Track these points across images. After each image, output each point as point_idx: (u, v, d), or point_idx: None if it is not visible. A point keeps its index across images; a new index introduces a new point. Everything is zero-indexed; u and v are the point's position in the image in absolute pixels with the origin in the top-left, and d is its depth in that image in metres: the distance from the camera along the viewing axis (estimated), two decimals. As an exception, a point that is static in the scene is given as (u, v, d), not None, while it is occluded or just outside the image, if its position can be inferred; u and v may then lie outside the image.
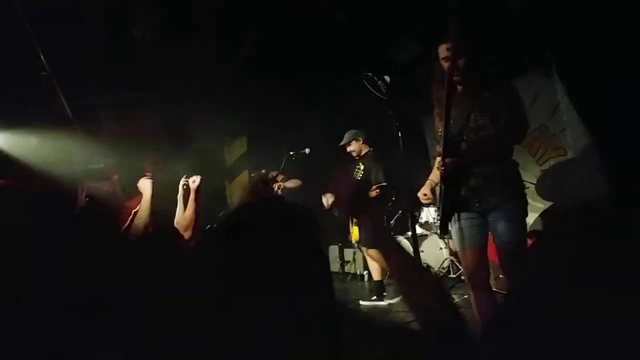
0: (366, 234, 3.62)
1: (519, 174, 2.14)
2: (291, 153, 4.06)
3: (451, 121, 1.97)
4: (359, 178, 3.84)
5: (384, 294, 3.76)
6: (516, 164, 2.12)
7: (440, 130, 2.01)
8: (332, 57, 4.33)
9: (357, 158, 3.89)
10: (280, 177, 4.57)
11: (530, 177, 5.14)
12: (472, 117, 1.94)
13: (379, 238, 1.03)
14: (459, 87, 2.01)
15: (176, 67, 4.49)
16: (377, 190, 3.70)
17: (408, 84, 4.80)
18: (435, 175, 2.26)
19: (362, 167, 3.79)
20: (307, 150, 3.93)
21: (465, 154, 1.94)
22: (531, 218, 5.01)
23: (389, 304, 3.72)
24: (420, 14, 3.79)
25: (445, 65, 1.98)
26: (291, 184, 4.60)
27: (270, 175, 4.61)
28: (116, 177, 6.51)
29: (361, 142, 3.85)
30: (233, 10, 3.62)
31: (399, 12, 3.69)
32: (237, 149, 6.45)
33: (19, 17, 2.94)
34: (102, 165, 6.41)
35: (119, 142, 5.65)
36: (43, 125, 4.59)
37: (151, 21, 3.65)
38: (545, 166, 5.04)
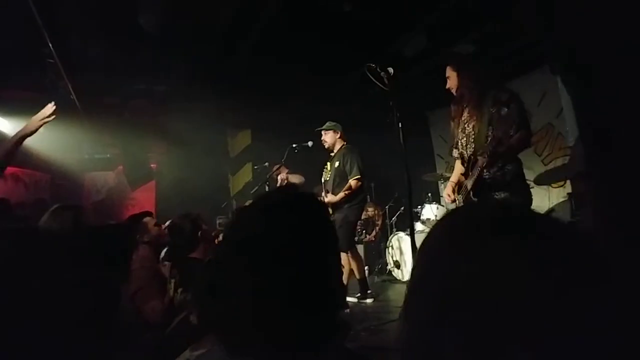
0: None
1: (522, 173, 2.31)
2: (294, 145, 4.05)
3: (472, 138, 2.27)
4: (327, 179, 3.83)
5: (369, 292, 3.75)
6: (519, 165, 2.30)
7: (460, 143, 2.37)
8: (338, 50, 4.31)
9: (331, 154, 3.89)
10: (284, 171, 4.57)
11: (535, 176, 5.11)
12: (487, 132, 2.17)
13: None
14: (470, 106, 2.29)
15: (183, 58, 4.51)
16: (344, 193, 3.61)
17: (414, 78, 4.79)
18: (455, 177, 2.51)
19: (329, 168, 3.84)
20: (309, 143, 3.91)
21: (487, 166, 2.17)
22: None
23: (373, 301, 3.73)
24: (427, 7, 3.76)
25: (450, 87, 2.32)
26: (295, 179, 4.60)
27: (273, 168, 4.61)
28: (121, 167, 6.57)
29: (338, 135, 3.83)
30: (239, 2, 3.62)
31: (405, 5, 3.66)
32: (240, 141, 6.46)
33: (27, 5, 2.96)
34: (108, 155, 6.47)
35: (125, 133, 5.70)
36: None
37: (159, 11, 3.66)
38: (551, 166, 4.99)
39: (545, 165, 5.04)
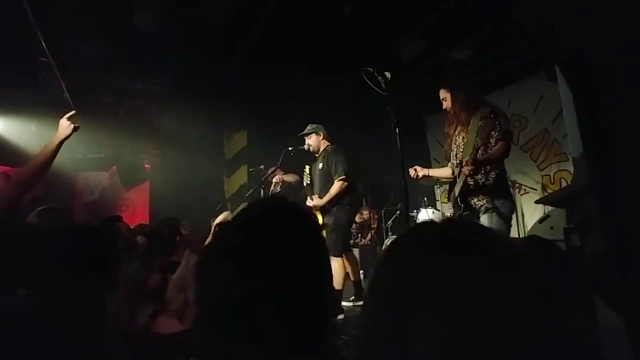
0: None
1: (504, 180, 2.60)
2: (290, 148, 4.03)
3: (461, 148, 2.56)
4: (309, 182, 3.78)
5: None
6: (503, 171, 2.59)
7: (454, 153, 2.68)
8: (335, 52, 4.29)
9: (316, 155, 3.85)
10: (280, 173, 4.55)
11: (531, 182, 5.12)
12: (474, 142, 2.43)
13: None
14: (461, 122, 2.60)
15: (179, 58, 4.47)
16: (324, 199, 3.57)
17: (411, 82, 4.78)
18: (436, 172, 2.93)
19: (307, 171, 3.80)
20: (306, 146, 3.89)
21: (472, 174, 2.45)
22: (531, 221, 4.99)
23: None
24: (424, 11, 3.75)
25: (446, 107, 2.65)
26: (290, 177, 4.58)
27: (268, 170, 4.58)
28: (115, 167, 6.50)
29: (321, 137, 3.80)
30: (237, 2, 3.59)
31: (402, 8, 3.65)
32: (236, 143, 6.42)
33: (20, 3, 2.92)
34: (102, 155, 6.41)
35: (119, 133, 5.64)
36: (43, 112, 4.57)
37: (154, 10, 3.62)
38: (547, 172, 5.01)
39: (540, 170, 5.06)
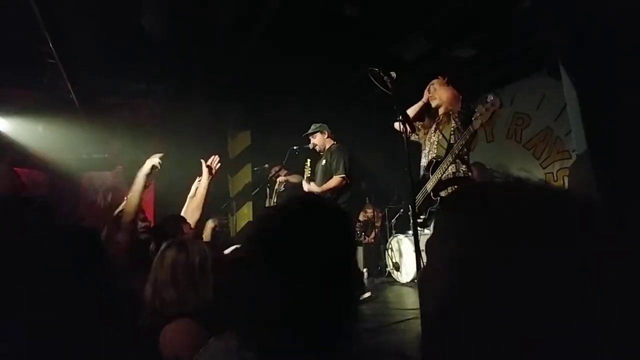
0: None
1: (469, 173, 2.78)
2: (295, 148, 4.05)
3: (435, 146, 2.78)
4: (308, 175, 3.80)
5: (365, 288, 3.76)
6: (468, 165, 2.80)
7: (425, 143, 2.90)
8: (339, 52, 4.31)
9: (320, 153, 3.86)
10: (283, 173, 4.57)
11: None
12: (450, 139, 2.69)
13: None
14: (442, 113, 2.79)
15: (183, 58, 4.50)
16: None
17: (416, 81, 4.79)
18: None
19: (309, 164, 3.82)
20: (311, 145, 3.91)
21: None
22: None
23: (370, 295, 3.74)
24: (428, 11, 3.77)
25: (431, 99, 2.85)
26: (294, 178, 4.60)
27: (273, 169, 4.61)
28: (120, 167, 6.54)
29: (326, 135, 3.83)
30: (241, 3, 3.61)
31: (406, 8, 3.67)
32: (240, 142, 6.44)
33: (28, 4, 2.95)
34: (106, 155, 6.43)
35: (123, 133, 5.67)
36: (49, 113, 4.61)
37: (159, 12, 3.65)
38: (549, 169, 5.02)
39: (543, 168, 5.06)
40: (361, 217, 6.10)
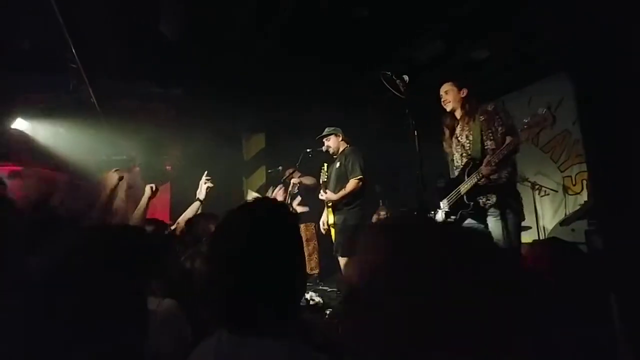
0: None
1: (514, 179, 2.58)
2: (308, 150, 4.07)
3: (468, 147, 2.56)
4: (325, 179, 3.77)
5: None
6: (514, 170, 2.57)
7: (453, 152, 2.71)
8: (351, 55, 4.32)
9: (334, 156, 3.85)
10: (297, 175, 4.60)
11: (551, 184, 5.03)
12: (484, 140, 2.44)
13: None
14: (464, 119, 2.59)
15: (199, 62, 4.58)
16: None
17: (428, 84, 4.77)
18: None
19: (325, 169, 3.80)
20: (324, 148, 3.93)
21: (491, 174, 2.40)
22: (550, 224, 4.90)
23: None
24: (439, 14, 3.75)
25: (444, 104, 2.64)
26: (307, 180, 4.63)
27: (286, 171, 4.64)
28: (137, 168, 6.68)
29: (340, 138, 3.82)
30: (254, 7, 3.66)
31: (418, 10, 3.65)
32: (255, 145, 6.51)
33: (51, 10, 3.05)
34: (125, 157, 6.58)
35: (142, 135, 5.80)
36: (71, 116, 4.76)
37: (177, 17, 3.73)
38: (568, 173, 4.92)
39: (561, 172, 4.97)
40: (374, 220, 6.08)
